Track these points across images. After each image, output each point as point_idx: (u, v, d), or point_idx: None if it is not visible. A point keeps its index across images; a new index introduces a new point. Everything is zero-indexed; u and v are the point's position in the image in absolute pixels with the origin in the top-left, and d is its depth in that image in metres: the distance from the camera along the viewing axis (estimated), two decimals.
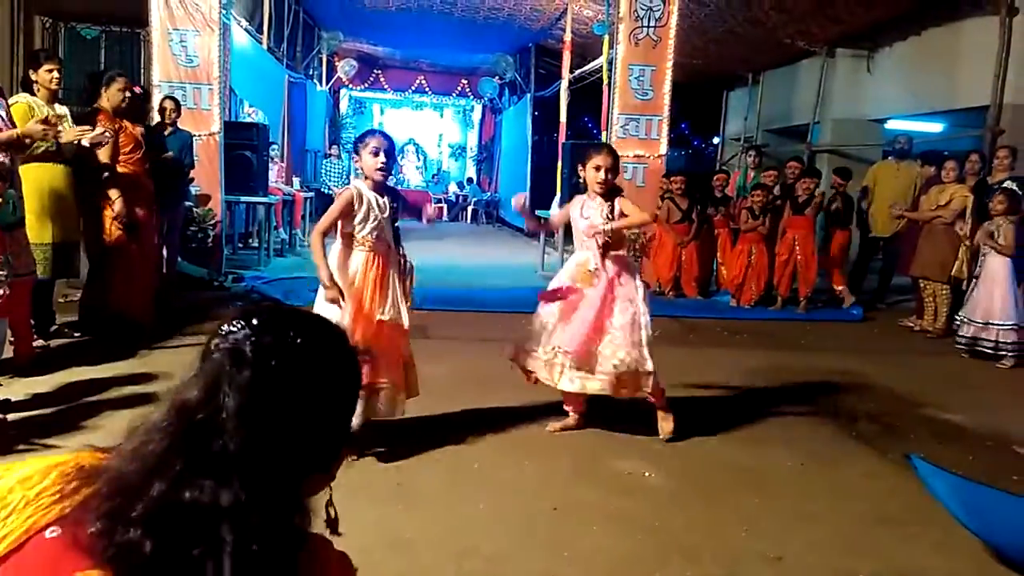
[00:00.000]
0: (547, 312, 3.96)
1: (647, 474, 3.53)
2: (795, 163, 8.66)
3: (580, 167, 4.06)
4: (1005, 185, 6.59)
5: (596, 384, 3.77)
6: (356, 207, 3.52)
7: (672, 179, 8.84)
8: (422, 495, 3.15)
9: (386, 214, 3.57)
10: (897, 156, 8.78)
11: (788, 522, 3.11)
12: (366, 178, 3.58)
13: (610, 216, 3.88)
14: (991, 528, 2.86)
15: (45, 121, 4.39)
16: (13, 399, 3.91)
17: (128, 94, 5.33)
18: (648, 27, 8.71)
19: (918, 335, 7.27)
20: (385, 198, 3.59)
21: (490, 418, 4.17)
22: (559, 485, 3.35)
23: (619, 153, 8.12)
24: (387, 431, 3.87)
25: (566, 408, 4.14)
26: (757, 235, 8.22)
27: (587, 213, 3.96)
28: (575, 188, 9.26)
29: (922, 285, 7.31)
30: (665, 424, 3.98)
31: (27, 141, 4.36)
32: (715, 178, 9.21)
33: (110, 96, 5.24)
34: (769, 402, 4.79)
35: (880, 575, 2.72)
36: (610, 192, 3.95)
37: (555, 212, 4.04)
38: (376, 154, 3.51)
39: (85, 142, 4.82)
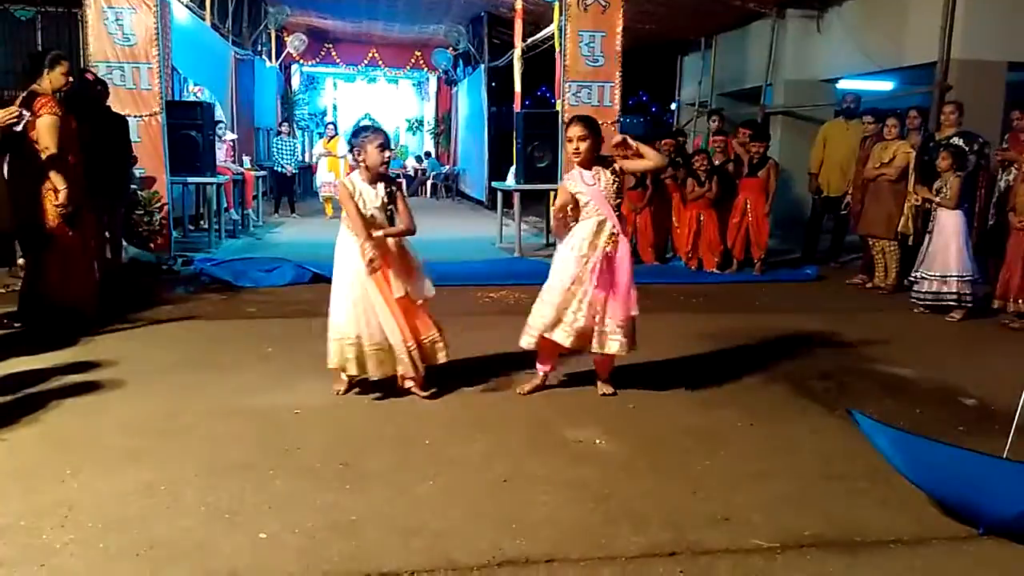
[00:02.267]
0: (571, 289, 3.93)
1: (598, 442, 3.53)
2: (745, 128, 8.67)
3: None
4: (952, 141, 6.66)
5: (616, 344, 3.95)
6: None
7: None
8: (369, 475, 3.11)
9: (377, 204, 3.84)
10: (846, 115, 8.83)
11: (736, 482, 3.13)
12: (367, 169, 3.84)
13: (615, 180, 3.97)
14: (933, 480, 2.90)
15: None
16: None
17: (71, 78, 5.12)
18: None
19: (870, 292, 7.36)
20: (379, 187, 3.85)
21: (442, 392, 4.13)
22: (510, 457, 3.33)
23: None
24: (334, 409, 3.83)
25: (541, 369, 4.16)
26: (705, 201, 8.25)
27: (590, 180, 3.95)
28: (530, 158, 9.29)
29: (871, 243, 7.39)
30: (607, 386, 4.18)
31: None
32: (662, 142, 9.17)
33: (53, 79, 5.02)
34: (722, 364, 4.82)
35: (825, 533, 2.74)
36: (600, 161, 3.99)
37: (558, 204, 4.08)
38: (383, 149, 3.84)
39: (10, 120, 4.64)
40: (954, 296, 6.23)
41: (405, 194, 3.95)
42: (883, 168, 7.11)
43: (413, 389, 4.01)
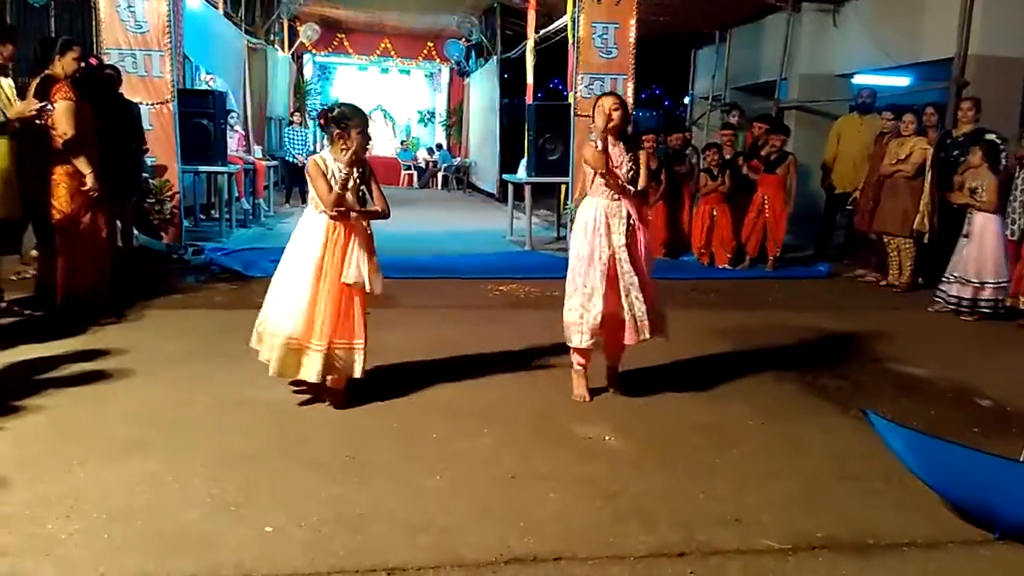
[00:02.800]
0: (587, 279, 3.86)
1: (607, 438, 3.49)
2: (761, 122, 8.58)
3: (591, 116, 4.01)
4: (987, 137, 6.50)
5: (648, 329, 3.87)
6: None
7: (643, 138, 8.79)
8: (376, 468, 3.09)
9: (348, 184, 3.62)
10: (860, 110, 8.74)
11: (747, 482, 3.09)
12: (349, 152, 3.61)
13: (632, 167, 3.91)
14: (949, 482, 2.86)
15: None
16: None
17: (82, 64, 5.10)
18: None
19: (884, 290, 7.29)
20: (351, 168, 3.63)
21: (450, 386, 4.11)
22: (518, 452, 3.30)
23: (585, 113, 8.06)
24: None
25: (581, 363, 4.01)
26: (718, 195, 8.19)
27: (615, 160, 3.91)
28: (542, 151, 9.23)
29: (886, 240, 7.31)
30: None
31: None
32: (672, 137, 9.10)
33: (65, 64, 5.00)
34: (733, 361, 4.77)
35: (838, 534, 2.70)
36: (627, 139, 3.96)
37: (590, 161, 3.95)
38: (363, 134, 3.67)
39: (32, 110, 4.65)
40: (990, 303, 6.06)
41: (376, 177, 3.74)
42: (899, 164, 7.02)
43: (326, 395, 3.76)
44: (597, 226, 3.86)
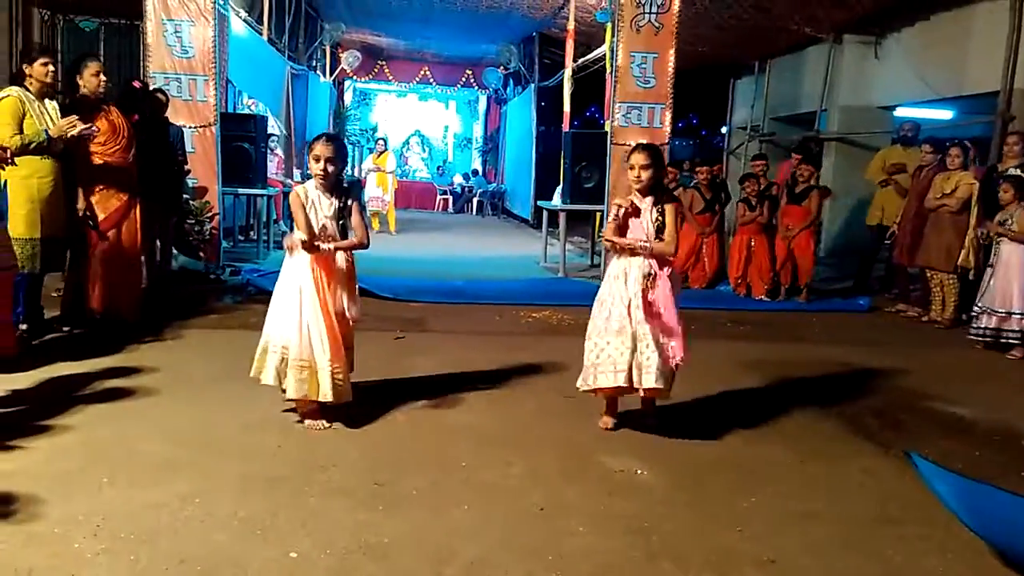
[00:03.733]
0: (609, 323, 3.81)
1: (639, 472, 3.42)
2: (797, 154, 8.50)
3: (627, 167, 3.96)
4: (1011, 173, 6.43)
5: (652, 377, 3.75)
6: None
7: (699, 169, 8.82)
8: (403, 496, 3.05)
9: (329, 213, 3.70)
10: (903, 143, 8.62)
11: (784, 522, 3.00)
12: (318, 177, 3.71)
13: (659, 218, 3.82)
14: (995, 529, 2.74)
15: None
16: None
17: (103, 78, 5.22)
18: (650, 13, 8.55)
19: (926, 326, 7.12)
20: (332, 198, 3.71)
21: (479, 413, 4.07)
22: (547, 485, 3.24)
23: (621, 142, 8.02)
24: (370, 426, 3.78)
25: (607, 396, 3.96)
26: (756, 226, 8.12)
27: (642, 216, 3.87)
28: (577, 178, 9.22)
29: (929, 275, 7.16)
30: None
31: None
32: (700, 170, 9.04)
33: (86, 82, 5.14)
34: (769, 396, 4.67)
35: None
36: (658, 192, 3.88)
37: (606, 232, 3.97)
38: (317, 160, 3.68)
39: (73, 133, 4.76)
40: (1017, 334, 5.98)
41: (363, 206, 3.73)
42: (945, 199, 6.88)
43: (309, 422, 3.73)
44: (616, 273, 3.86)
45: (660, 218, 3.82)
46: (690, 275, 8.69)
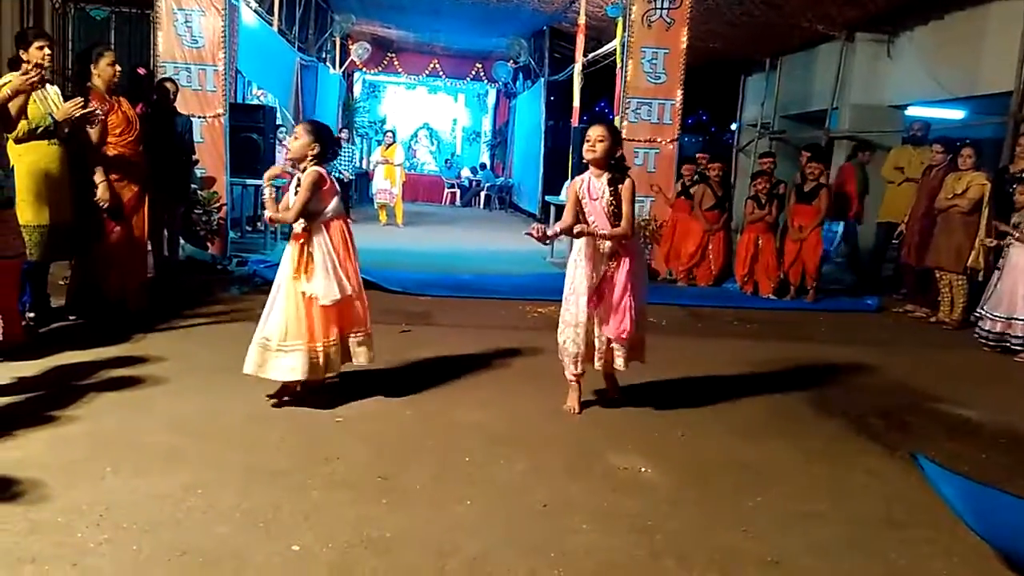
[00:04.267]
0: (575, 311, 3.94)
1: (643, 470, 3.41)
2: (807, 151, 8.47)
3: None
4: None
5: (620, 361, 3.98)
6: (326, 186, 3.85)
7: (711, 165, 8.75)
8: (407, 490, 3.04)
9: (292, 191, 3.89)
10: (913, 143, 8.58)
11: (788, 522, 2.98)
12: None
13: (612, 201, 3.86)
14: (1001, 533, 2.72)
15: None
16: None
17: (119, 67, 5.20)
18: (662, 9, 8.52)
19: (933, 327, 7.08)
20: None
21: (484, 408, 4.06)
22: (551, 481, 3.23)
23: (631, 138, 8.00)
24: (375, 420, 3.78)
25: (576, 380, 4.08)
26: (763, 224, 8.09)
27: (595, 193, 3.90)
28: (584, 171, 9.17)
29: (938, 276, 7.11)
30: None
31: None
32: (713, 166, 8.99)
33: (101, 72, 5.12)
34: (776, 395, 4.65)
35: None
36: (614, 170, 3.88)
37: (566, 205, 4.04)
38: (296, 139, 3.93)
39: (78, 115, 4.74)
40: (1020, 340, 5.95)
41: (304, 186, 3.73)
42: (955, 199, 6.83)
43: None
44: (578, 259, 3.93)
45: (614, 201, 3.85)
46: (696, 272, 8.67)
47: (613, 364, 4.01)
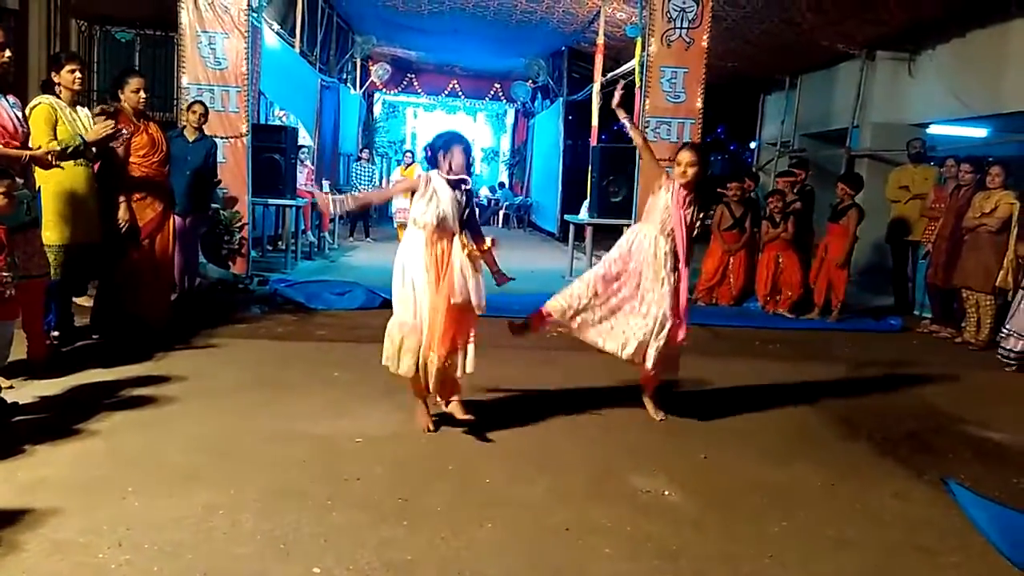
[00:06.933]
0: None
1: (666, 493, 3.36)
2: (799, 170, 8.46)
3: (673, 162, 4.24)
4: None
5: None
6: (423, 191, 3.89)
7: (730, 185, 8.68)
8: (428, 512, 3.02)
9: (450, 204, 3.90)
10: (913, 160, 8.56)
11: (815, 548, 2.93)
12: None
13: (692, 203, 4.16)
14: None
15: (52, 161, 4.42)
16: (21, 402, 3.86)
17: (145, 93, 5.28)
18: (681, 28, 8.53)
19: (960, 347, 6.98)
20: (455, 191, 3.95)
21: (504, 428, 4.03)
22: (573, 503, 3.20)
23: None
24: (395, 440, 3.76)
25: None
26: (782, 242, 8.03)
27: (677, 195, 4.14)
28: (605, 192, 9.19)
29: (964, 295, 7.02)
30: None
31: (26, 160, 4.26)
32: (731, 186, 8.93)
33: (127, 98, 5.21)
34: (800, 417, 4.59)
35: None
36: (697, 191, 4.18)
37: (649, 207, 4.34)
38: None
39: (105, 133, 4.81)
40: None
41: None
42: (984, 218, 6.75)
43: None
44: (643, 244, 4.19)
45: (695, 210, 4.14)
46: (717, 292, 8.61)
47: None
